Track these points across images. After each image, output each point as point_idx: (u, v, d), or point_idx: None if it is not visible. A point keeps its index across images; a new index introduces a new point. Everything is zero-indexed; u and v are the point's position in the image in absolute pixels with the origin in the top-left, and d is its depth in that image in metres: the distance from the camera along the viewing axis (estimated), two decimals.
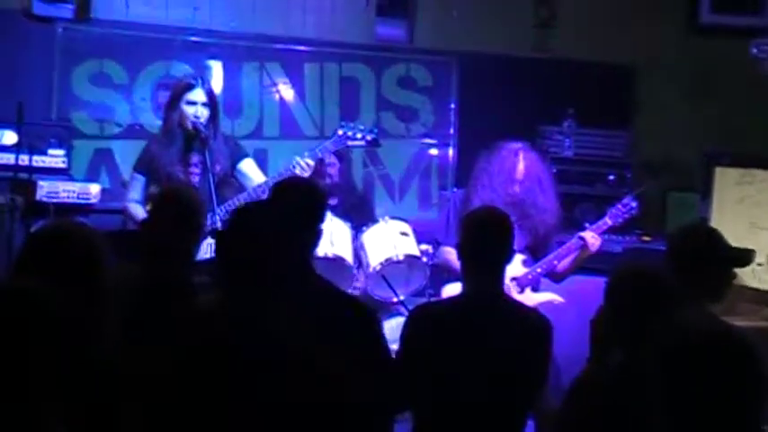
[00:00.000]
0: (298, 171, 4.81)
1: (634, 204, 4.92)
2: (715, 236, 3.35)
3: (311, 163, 4.86)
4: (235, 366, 2.52)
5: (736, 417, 2.01)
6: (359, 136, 4.97)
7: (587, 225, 4.97)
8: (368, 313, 3.20)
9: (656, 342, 2.08)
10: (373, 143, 5.10)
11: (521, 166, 4.84)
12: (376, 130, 5.15)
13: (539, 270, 4.81)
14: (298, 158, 4.86)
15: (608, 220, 4.90)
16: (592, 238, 4.78)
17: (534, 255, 4.87)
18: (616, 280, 2.79)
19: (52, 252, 2.61)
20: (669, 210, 6.77)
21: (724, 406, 2.00)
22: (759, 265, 5.12)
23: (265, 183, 4.84)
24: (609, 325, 2.71)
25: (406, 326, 3.22)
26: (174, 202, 3.64)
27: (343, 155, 6.01)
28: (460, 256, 3.26)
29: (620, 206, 4.92)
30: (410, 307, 4.97)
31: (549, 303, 4.66)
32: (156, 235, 3.52)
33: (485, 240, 3.22)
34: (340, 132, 4.96)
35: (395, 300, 5.07)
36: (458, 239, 3.34)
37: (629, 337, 2.64)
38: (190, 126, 4.84)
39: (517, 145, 4.95)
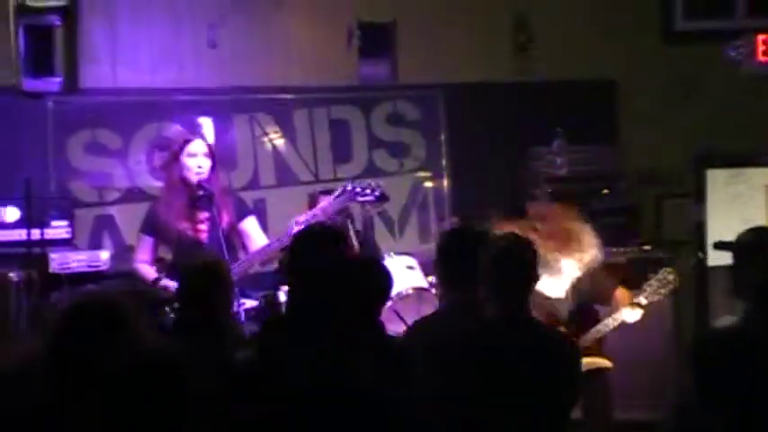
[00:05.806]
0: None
1: (671, 278, 4.53)
2: None
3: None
4: None
5: None
6: (368, 191, 4.93)
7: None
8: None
9: None
10: (381, 198, 5.04)
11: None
12: (382, 185, 5.12)
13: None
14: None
15: (643, 299, 4.48)
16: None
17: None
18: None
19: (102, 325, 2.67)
20: (665, 217, 6.88)
21: None
22: None
23: (268, 245, 4.89)
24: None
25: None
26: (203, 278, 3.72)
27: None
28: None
29: (654, 282, 4.51)
30: None
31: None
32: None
33: (510, 263, 3.24)
34: (348, 188, 4.92)
35: None
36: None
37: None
38: (194, 180, 4.88)
39: None
